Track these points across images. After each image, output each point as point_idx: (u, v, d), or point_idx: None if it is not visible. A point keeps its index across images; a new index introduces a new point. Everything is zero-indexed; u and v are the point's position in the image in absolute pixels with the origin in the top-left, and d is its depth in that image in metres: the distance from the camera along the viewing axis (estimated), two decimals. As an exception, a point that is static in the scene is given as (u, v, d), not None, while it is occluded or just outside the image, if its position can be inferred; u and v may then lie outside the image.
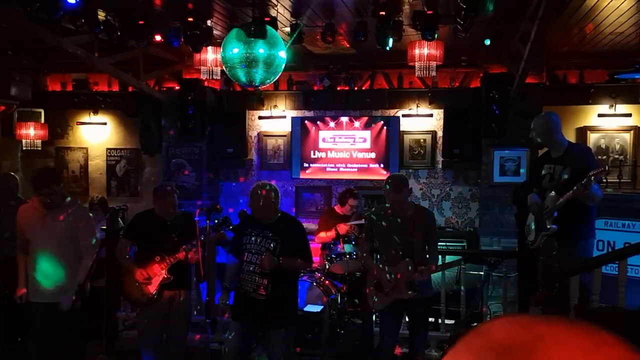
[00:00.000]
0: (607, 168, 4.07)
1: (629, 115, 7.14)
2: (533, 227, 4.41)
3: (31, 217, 4.23)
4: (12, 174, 6.24)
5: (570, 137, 6.97)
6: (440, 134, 7.49)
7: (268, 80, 4.69)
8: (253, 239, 4.08)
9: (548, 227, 4.17)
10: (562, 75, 7.41)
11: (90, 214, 4.65)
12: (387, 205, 4.35)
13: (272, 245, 4.00)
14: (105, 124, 8.51)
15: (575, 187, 3.87)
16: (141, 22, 5.72)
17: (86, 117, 8.53)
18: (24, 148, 7.89)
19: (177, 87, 7.88)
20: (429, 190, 7.66)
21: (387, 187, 4.23)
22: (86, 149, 8.60)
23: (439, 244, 4.73)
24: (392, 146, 7.52)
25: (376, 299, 4.31)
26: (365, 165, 7.62)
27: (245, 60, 4.45)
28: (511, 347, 0.51)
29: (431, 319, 5.17)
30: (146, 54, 7.10)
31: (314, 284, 5.59)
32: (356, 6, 5.36)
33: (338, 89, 7.73)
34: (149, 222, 4.51)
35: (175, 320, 4.50)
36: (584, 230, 4.28)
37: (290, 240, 4.05)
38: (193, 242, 4.34)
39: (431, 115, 7.56)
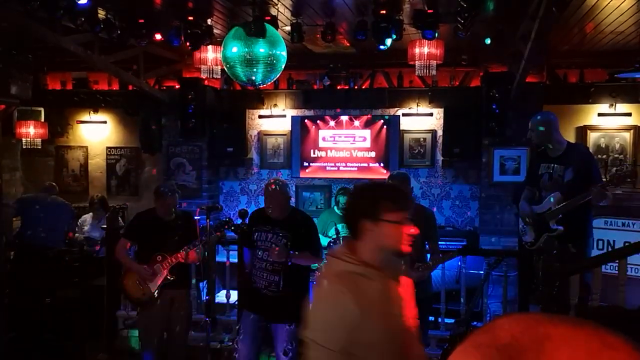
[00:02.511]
0: (626, 170, 4.11)
1: (629, 114, 7.14)
2: (529, 228, 4.40)
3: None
4: None
5: (570, 136, 6.97)
6: (440, 133, 7.49)
7: (268, 79, 4.69)
8: (264, 235, 4.10)
9: (554, 228, 4.15)
10: (562, 74, 7.40)
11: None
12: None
13: (283, 241, 4.04)
14: (105, 122, 8.51)
15: (597, 187, 3.91)
16: (141, 21, 5.71)
17: (86, 116, 8.52)
18: (24, 147, 7.88)
19: (177, 86, 7.87)
20: (429, 190, 7.66)
21: (390, 182, 4.24)
22: (86, 147, 8.59)
23: (439, 243, 4.73)
24: (392, 145, 7.52)
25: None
26: (365, 165, 7.62)
27: (246, 59, 4.45)
28: (514, 347, 0.51)
29: (431, 318, 5.18)
30: (146, 53, 7.10)
31: (314, 282, 5.59)
32: (356, 5, 5.36)
33: (338, 88, 7.72)
34: (150, 221, 4.52)
35: (176, 320, 4.51)
36: (584, 229, 4.28)
37: (300, 236, 4.08)
38: (194, 242, 4.35)
39: (431, 115, 7.56)
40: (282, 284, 4.02)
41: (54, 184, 7.10)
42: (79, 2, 4.72)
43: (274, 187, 4.09)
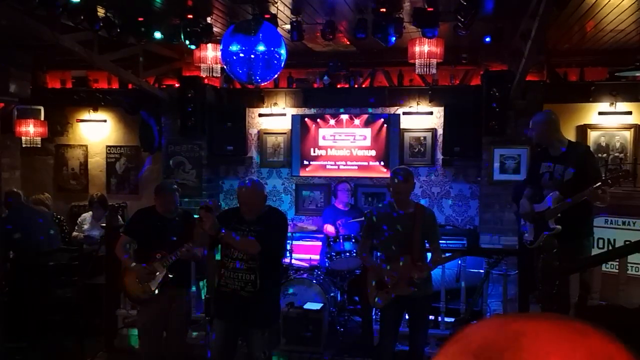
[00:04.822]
0: (622, 171, 4.07)
1: (629, 113, 7.13)
2: (529, 227, 4.40)
3: None
4: None
5: (571, 135, 6.96)
6: (440, 131, 7.48)
7: (267, 78, 4.68)
8: (238, 236, 4.04)
9: (552, 227, 4.14)
10: (562, 72, 7.39)
11: None
12: (387, 202, 4.35)
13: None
14: (105, 121, 8.50)
15: (592, 187, 3.86)
16: (141, 19, 5.70)
17: (86, 115, 8.52)
18: (24, 145, 7.87)
19: (177, 85, 7.87)
20: (429, 188, 7.65)
21: (395, 176, 4.23)
22: (86, 146, 8.59)
23: (439, 241, 4.73)
24: (392, 144, 7.51)
25: (377, 297, 4.31)
26: (366, 163, 7.61)
27: (245, 58, 4.44)
28: (492, 348, 0.52)
29: (431, 317, 5.17)
30: (146, 51, 7.09)
31: (314, 281, 5.58)
32: (356, 3, 5.35)
33: (338, 86, 7.71)
34: (150, 219, 4.51)
35: (176, 318, 4.50)
36: (585, 228, 4.27)
37: (267, 231, 3.98)
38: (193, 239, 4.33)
39: (431, 113, 7.55)
40: (259, 283, 3.93)
41: (15, 189, 6.85)
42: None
43: (250, 186, 4.01)
